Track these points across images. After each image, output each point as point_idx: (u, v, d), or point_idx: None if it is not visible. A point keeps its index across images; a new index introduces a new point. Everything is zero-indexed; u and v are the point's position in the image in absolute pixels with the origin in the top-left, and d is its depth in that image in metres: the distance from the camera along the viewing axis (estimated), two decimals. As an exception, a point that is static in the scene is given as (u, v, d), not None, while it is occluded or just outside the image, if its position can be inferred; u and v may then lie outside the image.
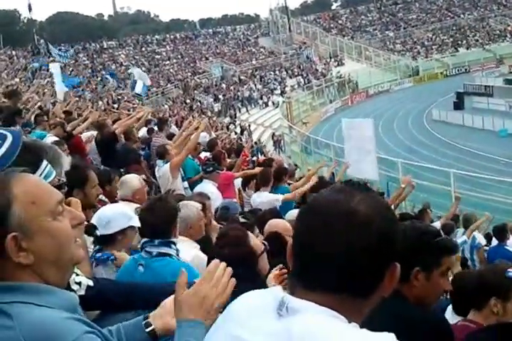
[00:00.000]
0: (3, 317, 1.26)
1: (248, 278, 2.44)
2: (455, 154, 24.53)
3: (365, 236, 1.11)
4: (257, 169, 7.66)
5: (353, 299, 1.12)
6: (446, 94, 37.99)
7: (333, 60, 51.47)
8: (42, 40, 47.36)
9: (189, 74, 47.38)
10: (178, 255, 3.18)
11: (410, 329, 1.87)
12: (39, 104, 11.12)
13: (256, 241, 2.79)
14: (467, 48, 54.88)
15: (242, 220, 4.50)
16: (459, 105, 34.79)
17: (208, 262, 2.70)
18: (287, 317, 1.08)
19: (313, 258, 1.12)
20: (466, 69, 50.04)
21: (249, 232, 2.83)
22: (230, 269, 1.66)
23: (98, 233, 3.21)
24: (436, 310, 2.69)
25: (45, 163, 1.95)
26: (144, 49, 52.74)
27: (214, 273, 1.63)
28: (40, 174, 1.90)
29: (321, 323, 1.06)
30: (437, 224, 8.11)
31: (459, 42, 56.11)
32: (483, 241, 8.76)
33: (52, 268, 1.36)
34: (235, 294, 1.29)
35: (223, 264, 1.67)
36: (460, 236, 8.55)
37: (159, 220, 3.13)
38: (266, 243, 2.89)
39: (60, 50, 41.84)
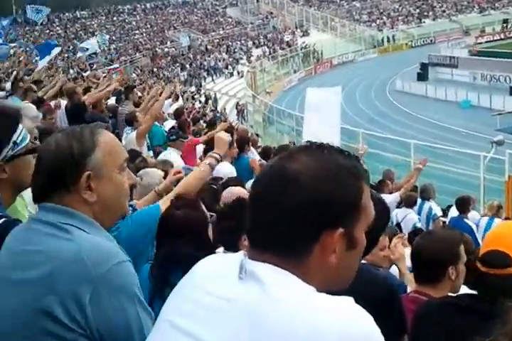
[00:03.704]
0: (64, 232, 1.43)
1: (199, 244, 2.45)
2: (417, 125, 24.71)
3: (287, 193, 1.08)
4: (221, 126, 7.59)
5: (288, 259, 1.08)
6: (410, 65, 37.92)
7: (299, 30, 51.12)
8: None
9: (157, 43, 47.44)
10: None
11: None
12: (15, 72, 11.06)
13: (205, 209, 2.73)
14: (433, 19, 54.95)
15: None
16: (422, 76, 34.94)
17: (162, 222, 2.70)
18: (247, 279, 1.08)
19: (253, 219, 1.13)
20: (431, 40, 49.95)
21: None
22: None
23: None
24: None
25: (21, 126, 1.92)
26: (115, 18, 53.57)
27: None
28: (17, 138, 1.89)
29: (281, 285, 1.06)
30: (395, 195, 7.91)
31: (426, 13, 56.17)
32: (440, 212, 8.74)
33: (105, 211, 1.55)
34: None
35: None
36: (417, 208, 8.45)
37: None
38: (213, 214, 2.81)
39: (33, 8, 40.25)
